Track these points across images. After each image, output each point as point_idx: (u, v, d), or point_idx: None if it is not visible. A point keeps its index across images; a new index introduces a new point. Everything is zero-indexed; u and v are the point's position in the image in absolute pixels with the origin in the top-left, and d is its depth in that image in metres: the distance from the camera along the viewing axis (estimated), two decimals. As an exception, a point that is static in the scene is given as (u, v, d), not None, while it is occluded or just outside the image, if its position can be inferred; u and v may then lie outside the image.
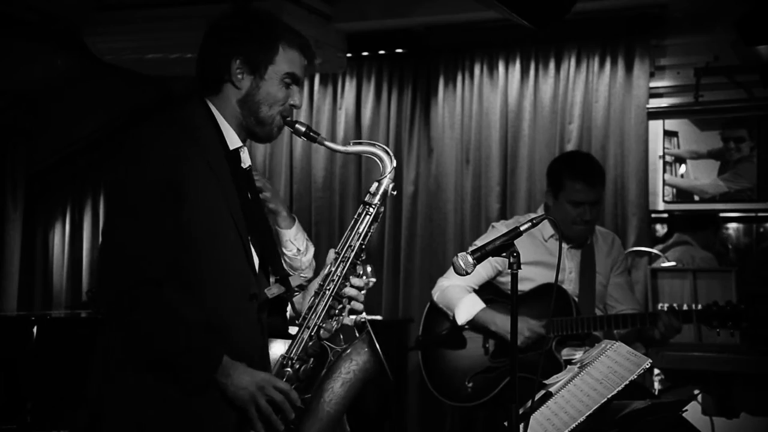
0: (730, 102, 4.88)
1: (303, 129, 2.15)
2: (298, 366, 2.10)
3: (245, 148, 2.19)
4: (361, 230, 2.17)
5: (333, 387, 2.10)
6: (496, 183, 5.17)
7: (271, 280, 2.24)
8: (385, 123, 5.50)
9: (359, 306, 2.18)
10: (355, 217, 2.19)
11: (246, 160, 2.19)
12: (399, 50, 5.42)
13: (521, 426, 2.15)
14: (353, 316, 2.18)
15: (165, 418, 1.99)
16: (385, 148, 2.19)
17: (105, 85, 5.99)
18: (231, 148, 2.12)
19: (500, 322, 3.41)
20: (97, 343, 2.08)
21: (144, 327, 1.97)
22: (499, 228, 3.52)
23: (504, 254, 2.19)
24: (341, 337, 2.18)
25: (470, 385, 3.50)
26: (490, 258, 2.22)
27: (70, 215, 6.44)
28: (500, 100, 5.19)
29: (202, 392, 1.98)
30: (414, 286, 5.34)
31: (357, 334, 2.17)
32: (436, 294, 3.63)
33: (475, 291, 3.58)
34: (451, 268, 2.24)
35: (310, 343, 2.12)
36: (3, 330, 4.18)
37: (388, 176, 2.17)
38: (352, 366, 2.12)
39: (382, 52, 5.46)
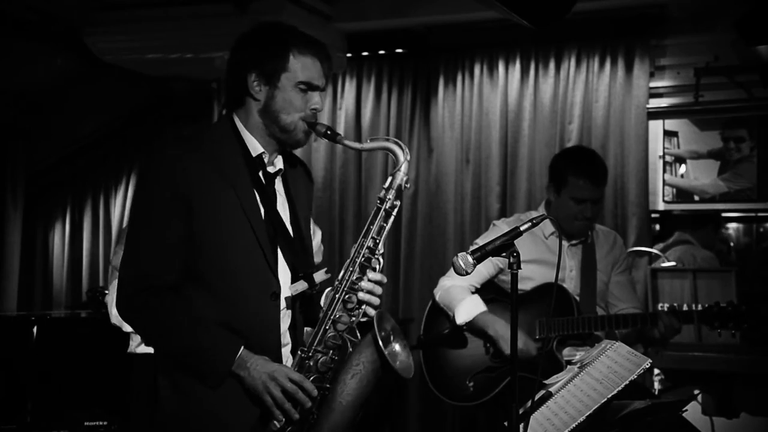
0: (730, 102, 4.87)
1: (323, 130, 2.22)
2: (318, 358, 2.15)
3: (275, 154, 2.26)
4: (375, 225, 2.22)
5: (345, 379, 2.14)
6: (496, 183, 5.17)
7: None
8: (385, 123, 5.50)
9: (375, 300, 2.21)
10: (373, 211, 2.24)
11: (277, 164, 2.27)
12: (399, 50, 5.42)
13: (521, 426, 2.16)
14: (371, 311, 2.20)
15: (191, 414, 2.12)
16: (398, 141, 2.23)
17: (105, 85, 5.99)
18: (254, 155, 2.23)
19: (499, 328, 3.39)
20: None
21: (153, 329, 2.14)
22: (500, 226, 3.51)
23: (504, 254, 2.19)
24: (358, 333, 2.21)
25: (471, 384, 3.49)
26: (491, 256, 2.23)
27: (70, 215, 6.45)
28: (500, 100, 5.19)
29: (220, 386, 2.09)
30: (414, 286, 5.34)
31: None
32: (438, 293, 3.62)
33: (477, 290, 3.57)
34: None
35: (329, 335, 2.17)
36: (3, 330, 4.18)
37: (402, 170, 2.21)
38: (361, 358, 2.15)
39: (382, 52, 5.46)
